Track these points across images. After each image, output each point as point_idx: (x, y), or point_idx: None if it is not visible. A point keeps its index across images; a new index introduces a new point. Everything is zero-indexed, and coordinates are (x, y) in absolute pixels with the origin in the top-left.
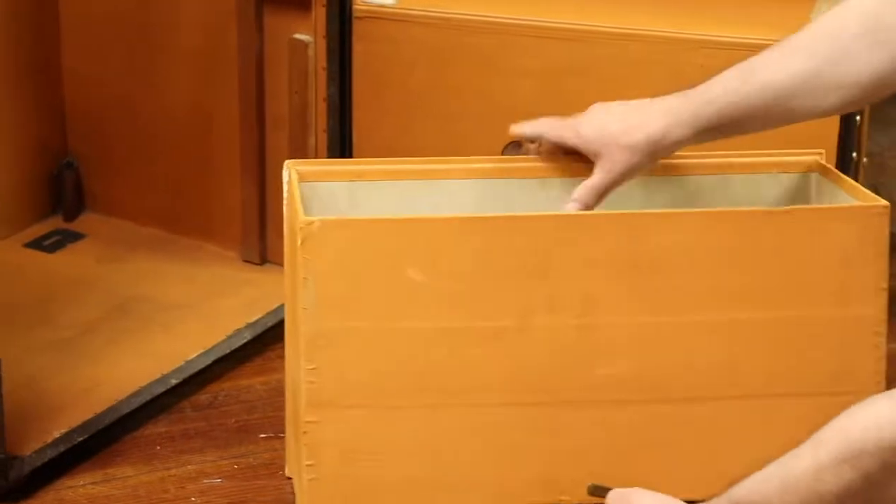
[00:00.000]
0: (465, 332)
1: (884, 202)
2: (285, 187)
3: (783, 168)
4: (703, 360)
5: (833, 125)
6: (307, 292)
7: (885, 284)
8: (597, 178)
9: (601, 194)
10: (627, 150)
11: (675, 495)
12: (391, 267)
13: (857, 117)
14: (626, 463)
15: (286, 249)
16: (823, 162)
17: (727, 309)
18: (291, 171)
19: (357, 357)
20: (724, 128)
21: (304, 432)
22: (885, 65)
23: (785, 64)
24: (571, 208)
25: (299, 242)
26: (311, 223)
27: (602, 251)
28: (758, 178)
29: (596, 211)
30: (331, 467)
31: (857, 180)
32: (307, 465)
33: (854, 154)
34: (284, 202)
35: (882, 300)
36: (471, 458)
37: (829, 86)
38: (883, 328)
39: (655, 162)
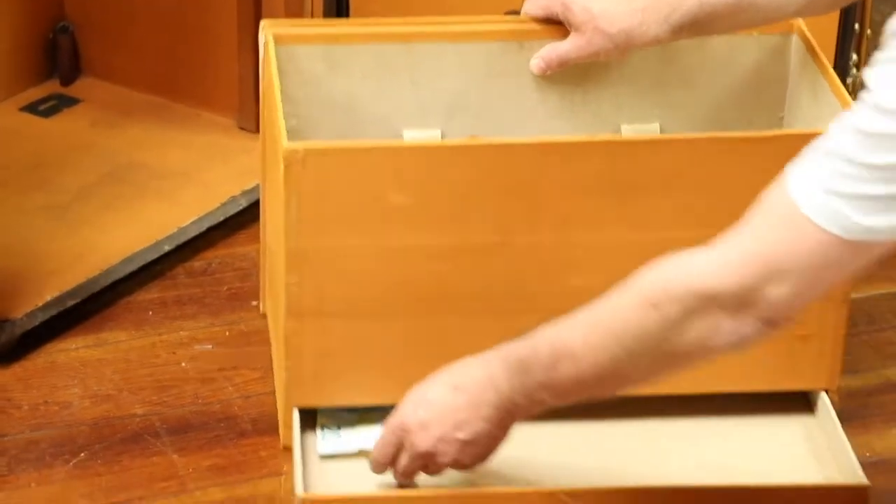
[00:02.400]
0: (446, 249)
1: None
2: (261, 50)
3: (763, 29)
4: None
5: None
6: (289, 214)
7: None
8: (566, 48)
9: (564, 63)
10: (604, 36)
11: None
12: (373, 190)
13: None
14: None
15: (262, 121)
16: (803, 26)
17: (701, 226)
18: (267, 33)
19: (338, 272)
20: (698, 26)
21: (286, 338)
22: None
23: None
24: (534, 65)
25: (282, 168)
26: (295, 151)
27: (581, 175)
28: (736, 39)
29: (576, 137)
30: (309, 368)
31: (858, 54)
32: (287, 366)
33: (856, 25)
34: (260, 66)
35: None
36: (444, 358)
37: None
38: None
39: (628, 54)
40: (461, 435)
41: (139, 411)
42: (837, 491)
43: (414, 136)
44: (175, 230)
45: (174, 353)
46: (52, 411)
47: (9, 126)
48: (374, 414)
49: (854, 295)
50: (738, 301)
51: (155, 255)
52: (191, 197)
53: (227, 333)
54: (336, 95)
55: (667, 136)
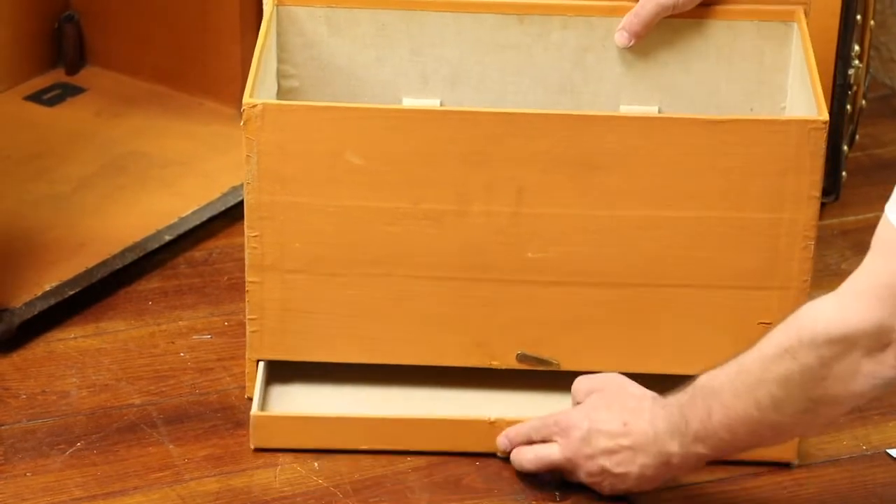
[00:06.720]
0: (402, 213)
1: (824, 117)
2: (265, 9)
3: (764, 17)
4: (631, 250)
5: None
6: (249, 168)
7: (817, 193)
8: (648, 6)
9: (650, 23)
10: None
11: (599, 368)
12: (331, 150)
13: None
14: (552, 336)
15: None
16: (802, 15)
17: (660, 207)
18: None
19: (296, 229)
20: None
21: (248, 291)
22: None
23: None
24: (619, 38)
25: (242, 123)
26: (254, 106)
27: (538, 147)
28: (737, 25)
29: (534, 110)
30: (270, 322)
31: (861, 45)
32: (250, 319)
33: (858, 17)
34: (261, 31)
35: (814, 207)
36: (405, 321)
37: None
38: (813, 232)
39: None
40: (613, 468)
41: (136, 401)
42: None
43: (413, 104)
44: (176, 220)
45: (173, 342)
46: (50, 401)
47: (13, 115)
48: None
49: None
50: (874, 339)
51: (155, 245)
52: (192, 187)
53: (226, 323)
54: (338, 59)
55: (625, 114)
